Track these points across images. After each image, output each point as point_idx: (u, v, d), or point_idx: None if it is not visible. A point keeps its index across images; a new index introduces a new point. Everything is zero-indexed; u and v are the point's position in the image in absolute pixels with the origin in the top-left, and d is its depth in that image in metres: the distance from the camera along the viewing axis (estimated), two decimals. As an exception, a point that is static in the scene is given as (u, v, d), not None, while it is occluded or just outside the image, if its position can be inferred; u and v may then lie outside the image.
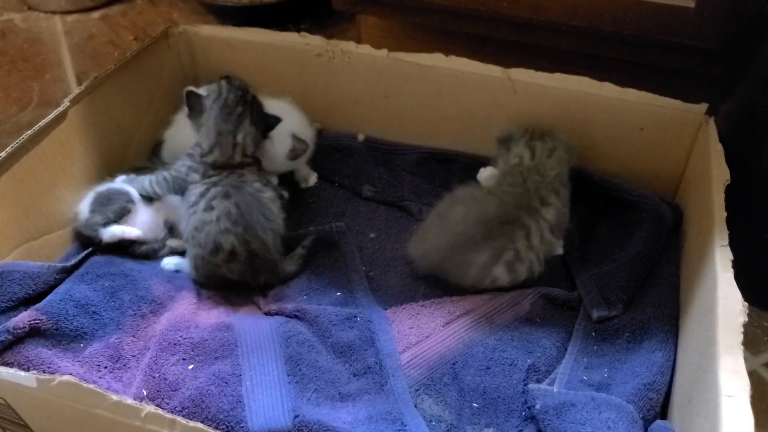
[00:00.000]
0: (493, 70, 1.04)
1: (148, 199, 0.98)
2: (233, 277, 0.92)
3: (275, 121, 0.98)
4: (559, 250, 0.96)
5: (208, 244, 0.90)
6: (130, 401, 0.63)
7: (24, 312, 0.82)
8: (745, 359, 0.65)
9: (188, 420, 0.62)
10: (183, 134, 1.07)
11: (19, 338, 0.80)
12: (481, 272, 0.89)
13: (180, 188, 0.96)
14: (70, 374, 0.71)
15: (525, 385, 0.80)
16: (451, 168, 1.12)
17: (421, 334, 0.87)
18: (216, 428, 0.69)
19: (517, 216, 0.90)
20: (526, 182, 0.93)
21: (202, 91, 0.96)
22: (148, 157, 1.13)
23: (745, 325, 0.68)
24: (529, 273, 0.91)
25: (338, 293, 0.94)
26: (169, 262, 0.96)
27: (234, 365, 0.80)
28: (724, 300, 0.70)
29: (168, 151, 1.09)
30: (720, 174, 0.84)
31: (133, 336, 0.85)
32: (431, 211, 0.97)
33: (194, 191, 0.93)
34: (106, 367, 0.81)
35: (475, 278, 0.90)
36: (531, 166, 0.95)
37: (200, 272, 0.92)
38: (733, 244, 0.76)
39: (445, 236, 0.91)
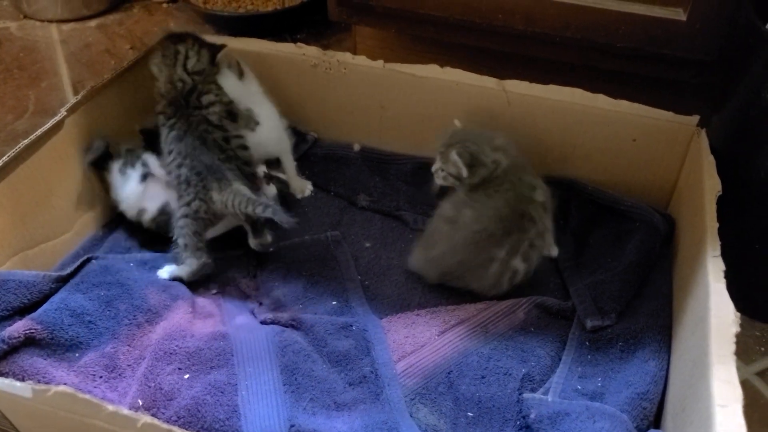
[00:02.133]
0: (488, 82, 1.05)
1: None
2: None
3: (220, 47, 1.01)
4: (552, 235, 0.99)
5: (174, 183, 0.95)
6: (126, 411, 0.63)
7: (19, 321, 0.82)
8: (738, 369, 0.66)
9: (184, 430, 0.62)
10: None
11: (14, 348, 0.79)
12: (501, 266, 0.91)
13: None
14: (65, 384, 0.71)
15: (520, 394, 0.80)
16: (446, 178, 1.13)
17: (416, 343, 0.87)
18: (212, 438, 0.70)
19: (525, 209, 0.92)
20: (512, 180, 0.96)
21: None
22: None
23: (738, 335, 0.68)
24: (539, 256, 0.94)
25: (334, 302, 0.94)
26: (165, 272, 0.96)
27: (230, 375, 0.80)
28: (716, 310, 0.71)
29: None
30: (712, 185, 0.85)
31: (128, 345, 0.85)
32: (432, 219, 0.98)
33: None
34: (101, 377, 0.81)
35: (495, 275, 0.92)
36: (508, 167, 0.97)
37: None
38: (726, 255, 0.77)
39: (461, 237, 0.92)
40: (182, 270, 0.95)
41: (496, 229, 0.91)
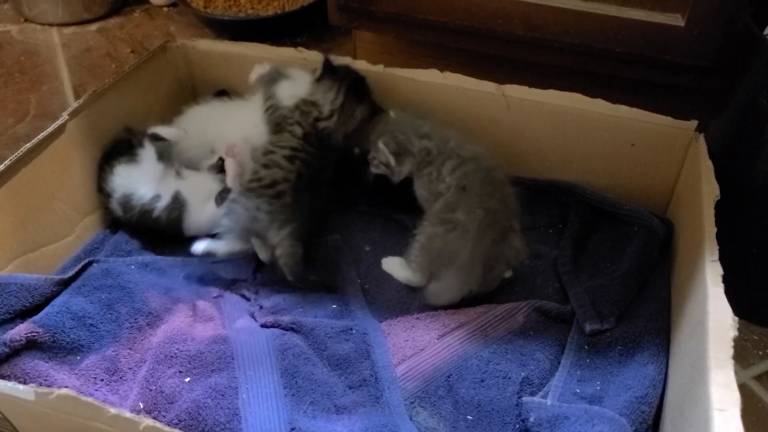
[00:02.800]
0: (488, 86, 1.06)
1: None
2: None
3: None
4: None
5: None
6: (128, 414, 0.64)
7: (21, 324, 0.82)
8: (735, 372, 0.66)
9: (186, 433, 0.63)
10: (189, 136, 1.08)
11: (16, 351, 0.80)
12: (519, 254, 0.94)
13: None
14: (67, 387, 0.72)
15: (519, 397, 0.81)
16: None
17: (416, 347, 0.88)
18: (213, 441, 0.70)
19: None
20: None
21: None
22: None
23: (735, 339, 0.69)
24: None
25: (334, 306, 0.95)
26: (200, 246, 0.96)
27: (230, 378, 0.81)
28: (714, 314, 0.71)
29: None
30: (710, 190, 0.86)
31: (129, 348, 0.85)
32: (422, 248, 0.95)
33: None
34: (102, 380, 0.81)
35: (513, 257, 0.95)
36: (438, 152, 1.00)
37: None
38: (724, 259, 0.77)
39: (474, 231, 0.91)
40: (221, 246, 0.95)
41: (506, 223, 0.93)
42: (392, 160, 0.99)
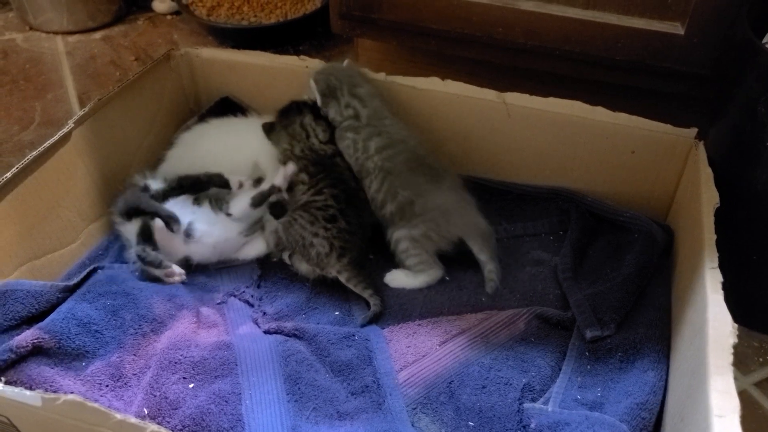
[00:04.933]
0: (488, 94, 1.06)
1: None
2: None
3: None
4: None
5: None
6: (133, 420, 0.64)
7: (27, 331, 0.83)
8: (736, 379, 0.66)
9: (190, 438, 0.63)
10: (186, 154, 1.09)
11: (22, 357, 0.81)
12: None
13: None
14: (73, 393, 0.72)
15: (520, 404, 0.81)
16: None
17: (418, 353, 0.88)
18: (217, 447, 0.70)
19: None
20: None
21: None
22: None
23: (736, 345, 0.69)
24: None
25: (336, 312, 0.96)
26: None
27: (234, 384, 0.81)
28: (714, 321, 0.72)
29: (168, 170, 1.10)
30: (710, 197, 0.86)
31: (134, 355, 0.86)
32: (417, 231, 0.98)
33: None
34: (107, 386, 0.82)
35: None
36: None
37: None
38: (724, 266, 0.78)
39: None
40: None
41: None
42: (319, 100, 1.04)
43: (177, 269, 0.97)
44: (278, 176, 1.02)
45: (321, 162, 1.03)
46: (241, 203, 1.02)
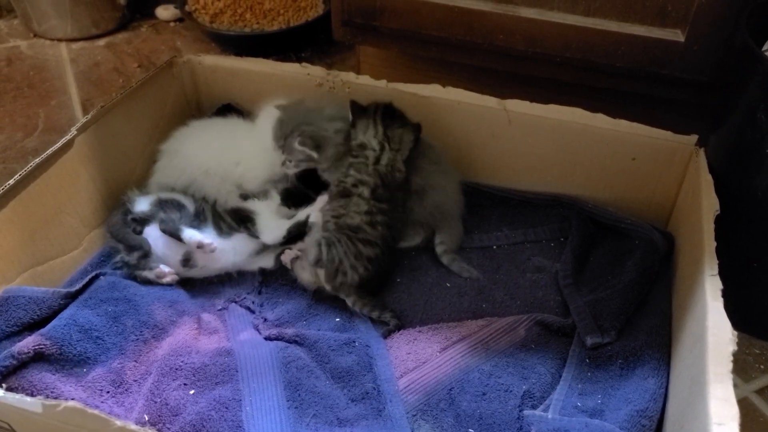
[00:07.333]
0: (489, 101, 1.07)
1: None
2: None
3: None
4: None
5: None
6: (134, 426, 0.65)
7: (29, 337, 0.84)
8: (737, 386, 0.67)
9: (190, 445, 0.64)
10: (173, 165, 1.09)
11: (24, 363, 0.81)
12: None
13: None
14: (74, 399, 0.73)
15: (520, 410, 0.81)
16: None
17: (418, 360, 0.88)
18: (217, 453, 0.71)
19: None
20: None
21: None
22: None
23: (736, 353, 0.69)
24: None
25: (337, 319, 0.96)
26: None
27: (234, 390, 0.82)
28: (713, 329, 0.72)
29: (158, 183, 1.10)
30: (710, 204, 0.86)
31: (135, 361, 0.86)
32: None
33: None
34: (108, 392, 0.82)
35: None
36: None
37: None
38: (724, 273, 0.78)
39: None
40: None
41: None
42: (314, 155, 1.02)
43: (166, 269, 0.97)
44: (315, 206, 1.02)
45: (389, 186, 1.00)
46: (275, 233, 1.02)
